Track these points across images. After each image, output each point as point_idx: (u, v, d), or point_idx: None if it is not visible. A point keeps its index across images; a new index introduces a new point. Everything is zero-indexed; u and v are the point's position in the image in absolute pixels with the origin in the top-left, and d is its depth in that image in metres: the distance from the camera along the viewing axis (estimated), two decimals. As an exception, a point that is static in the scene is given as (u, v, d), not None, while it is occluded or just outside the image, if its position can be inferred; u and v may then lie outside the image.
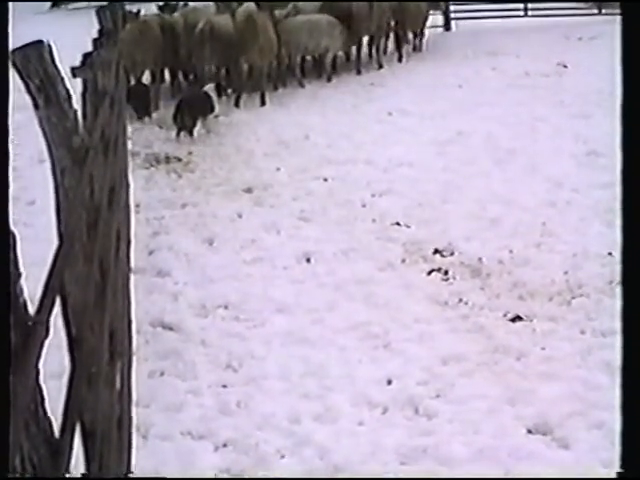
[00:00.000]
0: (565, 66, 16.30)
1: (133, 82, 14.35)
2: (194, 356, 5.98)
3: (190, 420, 5.21)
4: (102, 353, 3.31)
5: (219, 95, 13.65)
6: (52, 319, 2.13)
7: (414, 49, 19.75)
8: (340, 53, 17.29)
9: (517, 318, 6.38)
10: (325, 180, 10.17)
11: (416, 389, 5.44)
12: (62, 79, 4.16)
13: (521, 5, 22.91)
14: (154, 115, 13.81)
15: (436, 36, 21.52)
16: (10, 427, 1.65)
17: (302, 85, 16.03)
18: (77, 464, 2.51)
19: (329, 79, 16.45)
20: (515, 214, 8.55)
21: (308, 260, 7.74)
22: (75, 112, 4.33)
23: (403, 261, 7.61)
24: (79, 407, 2.45)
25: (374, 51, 18.13)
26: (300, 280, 7.30)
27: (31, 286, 2.25)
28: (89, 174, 3.67)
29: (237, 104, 14.40)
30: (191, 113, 12.35)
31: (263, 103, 14.60)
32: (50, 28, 19.13)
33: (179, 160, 11.38)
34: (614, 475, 1.48)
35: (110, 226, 4.63)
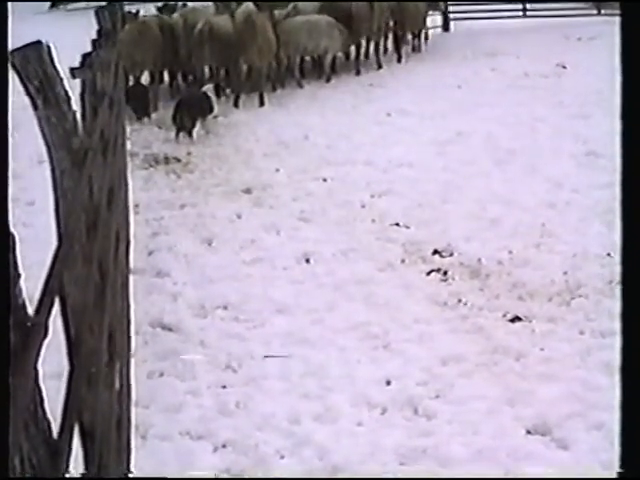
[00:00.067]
0: (564, 67, 16.33)
1: (132, 83, 14.35)
2: (193, 356, 5.98)
3: (189, 420, 5.21)
4: (101, 354, 3.31)
5: (218, 96, 13.67)
6: (51, 320, 2.13)
7: (413, 50, 19.79)
8: (339, 54, 17.30)
9: (516, 319, 6.38)
10: (324, 180, 10.17)
11: (415, 389, 5.44)
12: (61, 80, 4.15)
13: (520, 6, 22.95)
14: (153, 116, 13.81)
15: (435, 37, 21.56)
16: (10, 428, 1.65)
17: (301, 86, 16.03)
18: (76, 464, 2.51)
19: (328, 80, 16.46)
20: (515, 214, 8.55)
21: (308, 260, 7.74)
22: (74, 113, 4.32)
23: (402, 261, 7.61)
24: (78, 408, 2.45)
25: (373, 52, 18.15)
26: (300, 280, 7.30)
27: (30, 287, 2.25)
28: (88, 175, 3.66)
29: (236, 104, 14.41)
30: (190, 114, 12.35)
31: (262, 104, 14.60)
32: (49, 28, 19.18)
33: (178, 161, 11.38)
34: (614, 475, 1.48)
35: (109, 227, 4.63)
